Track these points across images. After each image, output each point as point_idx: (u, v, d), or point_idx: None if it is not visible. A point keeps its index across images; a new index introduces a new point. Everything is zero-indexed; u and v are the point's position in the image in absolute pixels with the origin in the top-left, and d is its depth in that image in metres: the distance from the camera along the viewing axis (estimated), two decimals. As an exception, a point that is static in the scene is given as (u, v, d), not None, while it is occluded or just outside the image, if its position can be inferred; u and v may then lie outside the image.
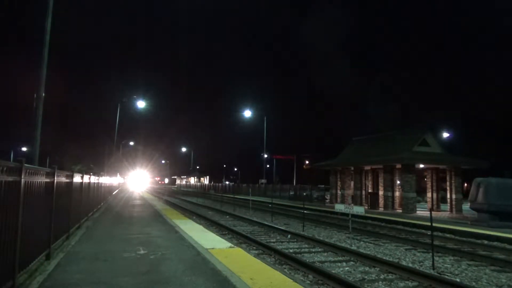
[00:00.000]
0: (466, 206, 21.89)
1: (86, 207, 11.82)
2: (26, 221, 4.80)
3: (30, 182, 5.07)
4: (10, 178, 4.19)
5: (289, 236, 12.63)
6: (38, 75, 9.25)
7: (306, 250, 10.31)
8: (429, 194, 25.50)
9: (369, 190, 27.45)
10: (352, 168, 27.65)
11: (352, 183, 27.81)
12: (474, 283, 7.27)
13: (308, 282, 6.95)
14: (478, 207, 16.27)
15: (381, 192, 25.08)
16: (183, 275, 5.62)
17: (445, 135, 33.51)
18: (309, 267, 7.74)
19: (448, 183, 24.09)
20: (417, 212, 21.81)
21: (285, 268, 7.87)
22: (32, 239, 5.27)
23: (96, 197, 15.53)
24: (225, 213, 21.55)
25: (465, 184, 35.13)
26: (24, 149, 57.22)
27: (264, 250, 9.96)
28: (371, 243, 11.75)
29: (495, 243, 12.05)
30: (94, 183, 14.05)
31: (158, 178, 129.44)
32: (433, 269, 8.22)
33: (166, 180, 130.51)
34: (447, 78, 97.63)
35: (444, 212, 23.17)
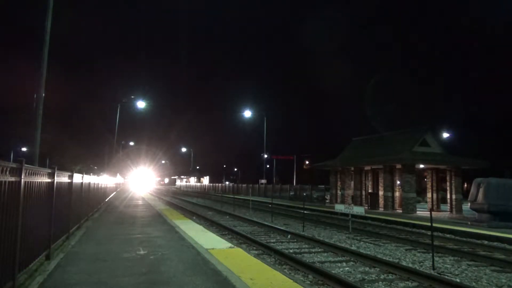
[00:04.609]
0: (466, 207, 21.89)
1: (86, 208, 11.82)
2: (26, 222, 4.80)
3: (30, 182, 5.07)
4: (10, 179, 4.19)
5: (289, 236, 12.63)
6: (38, 75, 9.26)
7: (306, 250, 10.30)
8: (429, 194, 25.50)
9: (369, 190, 27.44)
10: (352, 168, 27.65)
11: (352, 183, 27.81)
12: (474, 284, 7.26)
13: (308, 282, 6.95)
14: (478, 207, 16.27)
15: (381, 192, 25.08)
16: (183, 275, 5.62)
17: (445, 135, 33.54)
18: (309, 267, 7.73)
19: (448, 183, 24.09)
20: (417, 212, 21.80)
21: (285, 268, 7.87)
22: (32, 239, 5.27)
23: (97, 198, 15.53)
24: (225, 214, 21.55)
25: (465, 184, 35.13)
26: (24, 149, 57.21)
27: (264, 250, 9.96)
28: (371, 243, 11.75)
29: (495, 244, 12.04)
30: (94, 183, 14.05)
31: (159, 179, 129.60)
32: (433, 269, 8.22)
33: (166, 180, 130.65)
34: (447, 77, 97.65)
35: (444, 213, 23.18)
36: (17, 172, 4.44)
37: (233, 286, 5.14)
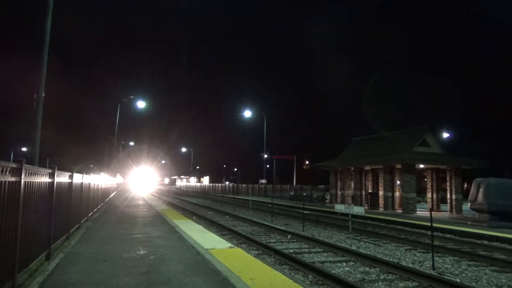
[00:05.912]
0: (466, 207, 21.88)
1: (86, 208, 11.82)
2: (26, 222, 4.80)
3: (30, 182, 5.07)
4: (10, 179, 4.19)
5: (289, 236, 12.63)
6: (38, 75, 9.25)
7: (306, 250, 10.30)
8: (429, 194, 25.50)
9: (369, 190, 27.44)
10: (352, 168, 27.64)
11: (352, 183, 27.81)
12: (474, 284, 7.26)
13: (308, 282, 6.95)
14: (478, 207, 16.27)
15: (381, 192, 25.08)
16: (183, 275, 5.62)
17: (445, 135, 33.52)
18: (309, 267, 7.73)
19: (448, 183, 24.09)
20: (417, 212, 21.81)
21: (285, 268, 7.86)
22: (32, 239, 5.28)
23: (97, 198, 15.53)
24: (225, 214, 21.55)
25: (465, 184, 35.10)
26: (24, 149, 57.23)
27: (264, 250, 9.96)
28: (371, 243, 11.75)
29: (495, 243, 12.04)
30: (95, 183, 14.04)
31: (160, 179, 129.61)
32: (433, 269, 8.22)
33: (166, 181, 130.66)
34: (447, 77, 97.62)
35: (444, 213, 23.18)
36: (17, 172, 4.44)
37: (233, 286, 5.14)
